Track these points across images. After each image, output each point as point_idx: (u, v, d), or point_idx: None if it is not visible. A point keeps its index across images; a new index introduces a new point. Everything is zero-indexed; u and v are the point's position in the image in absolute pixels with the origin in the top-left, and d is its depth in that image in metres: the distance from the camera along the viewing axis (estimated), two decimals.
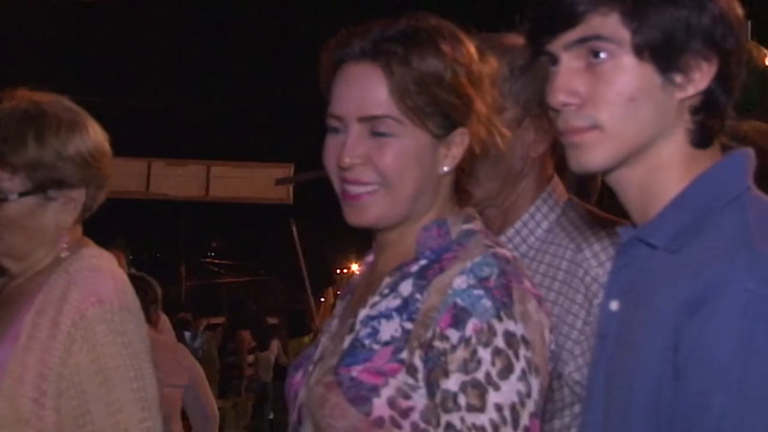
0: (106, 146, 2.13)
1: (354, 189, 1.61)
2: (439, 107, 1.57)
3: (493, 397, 1.45)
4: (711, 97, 1.29)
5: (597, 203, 2.56)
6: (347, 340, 1.60)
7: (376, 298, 1.61)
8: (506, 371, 1.45)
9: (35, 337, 1.97)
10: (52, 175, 2.04)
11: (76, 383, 1.95)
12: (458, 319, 1.48)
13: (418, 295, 1.55)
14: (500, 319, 1.47)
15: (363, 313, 1.61)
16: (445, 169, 1.62)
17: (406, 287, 1.58)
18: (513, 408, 1.44)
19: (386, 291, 1.60)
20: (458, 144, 1.61)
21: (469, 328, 1.47)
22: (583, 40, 1.29)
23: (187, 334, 9.32)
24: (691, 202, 1.29)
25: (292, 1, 23.16)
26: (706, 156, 1.32)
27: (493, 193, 1.97)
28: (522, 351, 1.46)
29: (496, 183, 1.96)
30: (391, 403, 1.50)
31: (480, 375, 1.45)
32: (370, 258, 1.78)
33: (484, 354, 1.46)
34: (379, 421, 1.49)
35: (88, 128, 2.09)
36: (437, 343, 1.49)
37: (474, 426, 1.44)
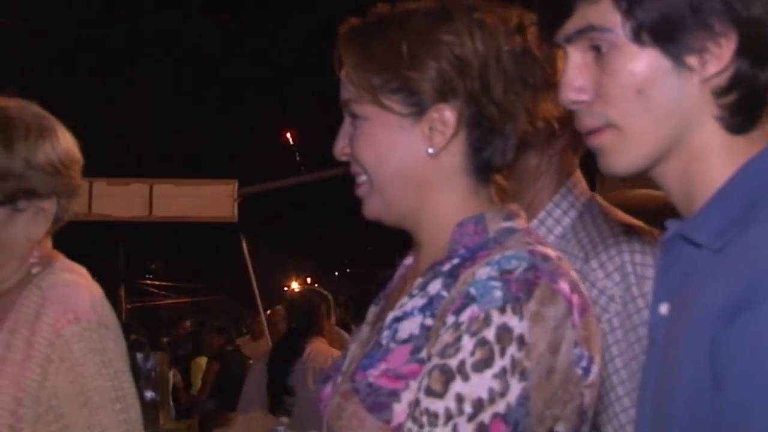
0: (78, 153, 2.01)
1: (357, 181, 1.57)
2: (401, 83, 1.49)
3: (457, 386, 1.34)
4: (739, 73, 1.15)
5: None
6: (370, 345, 1.50)
7: (405, 299, 1.51)
8: (483, 364, 1.34)
9: (8, 359, 1.84)
10: (22, 185, 1.92)
11: (55, 406, 1.82)
12: (462, 306, 1.39)
13: (444, 292, 1.45)
14: (503, 311, 1.35)
15: (390, 315, 1.51)
16: (431, 150, 1.51)
17: (435, 286, 1.48)
18: (477, 403, 1.33)
19: (415, 291, 1.51)
20: (440, 121, 1.50)
21: (466, 314, 1.37)
22: (580, 32, 1.20)
23: (139, 356, 9.12)
24: (737, 193, 1.17)
25: (235, 17, 23.02)
26: (752, 141, 1.19)
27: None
28: (511, 349, 1.34)
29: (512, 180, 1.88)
30: None
31: (453, 362, 1.35)
32: (408, 260, 1.68)
33: (467, 342, 1.35)
34: (401, 428, 1.39)
35: (58, 134, 1.97)
36: (441, 331, 1.40)
37: (427, 411, 1.35)
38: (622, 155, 1.21)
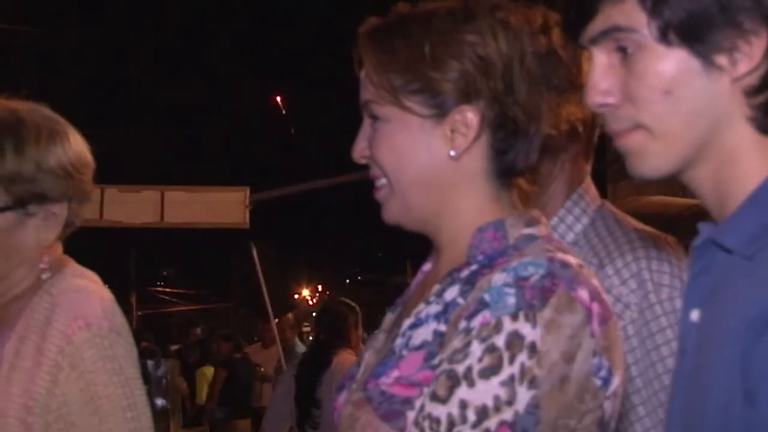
0: (89, 157, 1.98)
1: (376, 184, 1.53)
2: (423, 84, 1.45)
3: (462, 392, 1.30)
4: None
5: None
6: (384, 353, 1.47)
7: (421, 306, 1.47)
8: (490, 371, 1.30)
9: (18, 366, 1.81)
10: (32, 189, 1.88)
11: (65, 414, 1.79)
12: (475, 311, 1.35)
13: (460, 299, 1.41)
14: (515, 318, 1.32)
15: (406, 323, 1.47)
16: (452, 153, 1.47)
17: (451, 293, 1.44)
18: (482, 410, 1.29)
19: (432, 298, 1.47)
20: (462, 123, 1.46)
21: (478, 320, 1.34)
22: (605, 33, 1.16)
23: (149, 363, 9.10)
24: None
25: (247, 23, 23.08)
26: None
27: None
28: (521, 357, 1.30)
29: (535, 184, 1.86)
30: None
31: (460, 367, 1.31)
32: (427, 266, 1.64)
33: (476, 348, 1.31)
34: None
35: (69, 138, 1.94)
36: (453, 336, 1.37)
37: (430, 416, 1.31)
38: (651, 157, 1.17)
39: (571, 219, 1.94)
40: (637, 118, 1.16)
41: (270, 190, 11.68)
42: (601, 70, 1.18)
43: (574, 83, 1.48)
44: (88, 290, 1.91)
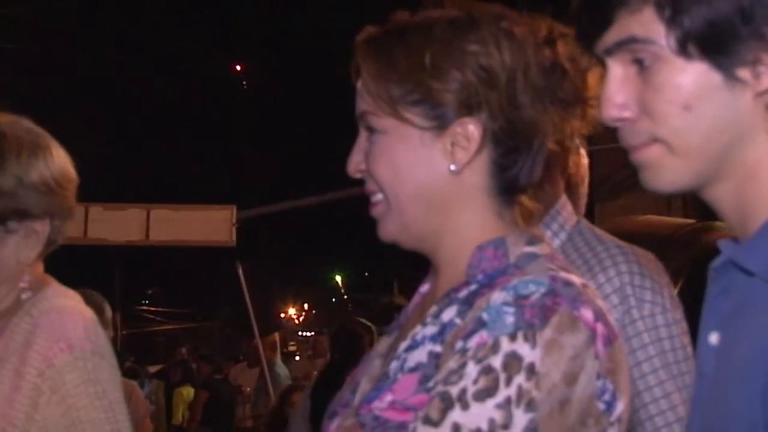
0: (73, 172, 1.91)
1: (372, 200, 1.47)
2: (423, 94, 1.39)
3: (456, 414, 1.24)
4: None
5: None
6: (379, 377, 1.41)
7: (418, 328, 1.41)
8: (485, 393, 1.24)
9: None
10: (13, 205, 1.82)
11: None
12: (472, 331, 1.29)
13: (457, 320, 1.35)
14: (513, 338, 1.26)
15: (403, 345, 1.41)
16: (453, 167, 1.40)
17: (448, 313, 1.38)
18: None
19: (429, 319, 1.40)
20: (463, 136, 1.40)
21: (474, 340, 1.28)
22: (621, 44, 1.11)
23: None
24: None
25: (229, 45, 23.10)
26: None
27: None
28: (519, 378, 1.24)
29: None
30: None
31: (454, 389, 1.25)
32: (424, 287, 1.57)
33: (472, 369, 1.26)
34: None
35: (52, 152, 1.87)
36: (449, 357, 1.31)
37: None
38: (668, 172, 1.12)
39: (549, 234, 1.95)
40: (655, 132, 1.11)
41: (257, 207, 11.64)
42: (616, 83, 1.13)
43: (579, 97, 1.42)
44: (70, 310, 1.84)
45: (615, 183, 9.72)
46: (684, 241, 3.95)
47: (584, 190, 2.20)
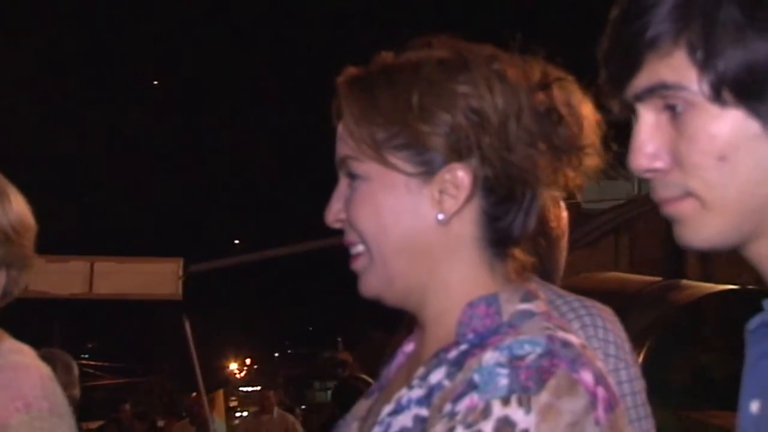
0: (31, 219, 1.81)
1: (352, 252, 1.37)
2: (409, 138, 1.31)
3: None
4: None
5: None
6: None
7: (404, 391, 1.31)
8: None
9: None
10: None
11: None
12: (462, 393, 1.20)
13: (446, 382, 1.26)
14: (506, 402, 1.16)
15: (386, 409, 1.32)
16: (441, 217, 1.32)
17: (436, 375, 1.28)
18: None
19: (415, 382, 1.31)
20: (452, 183, 1.31)
21: (464, 402, 1.18)
22: (651, 90, 1.03)
23: None
24: None
25: (166, 93, 23.02)
26: None
27: None
28: None
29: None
30: None
31: None
32: (408, 347, 1.48)
33: None
34: None
35: (9, 198, 1.77)
36: (435, 421, 1.21)
37: None
38: (703, 228, 1.05)
39: None
40: (688, 185, 1.03)
41: (204, 261, 11.49)
42: (647, 131, 1.05)
43: (575, 145, 1.34)
44: (26, 368, 1.73)
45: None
46: (650, 299, 3.92)
47: (564, 243, 2.15)
